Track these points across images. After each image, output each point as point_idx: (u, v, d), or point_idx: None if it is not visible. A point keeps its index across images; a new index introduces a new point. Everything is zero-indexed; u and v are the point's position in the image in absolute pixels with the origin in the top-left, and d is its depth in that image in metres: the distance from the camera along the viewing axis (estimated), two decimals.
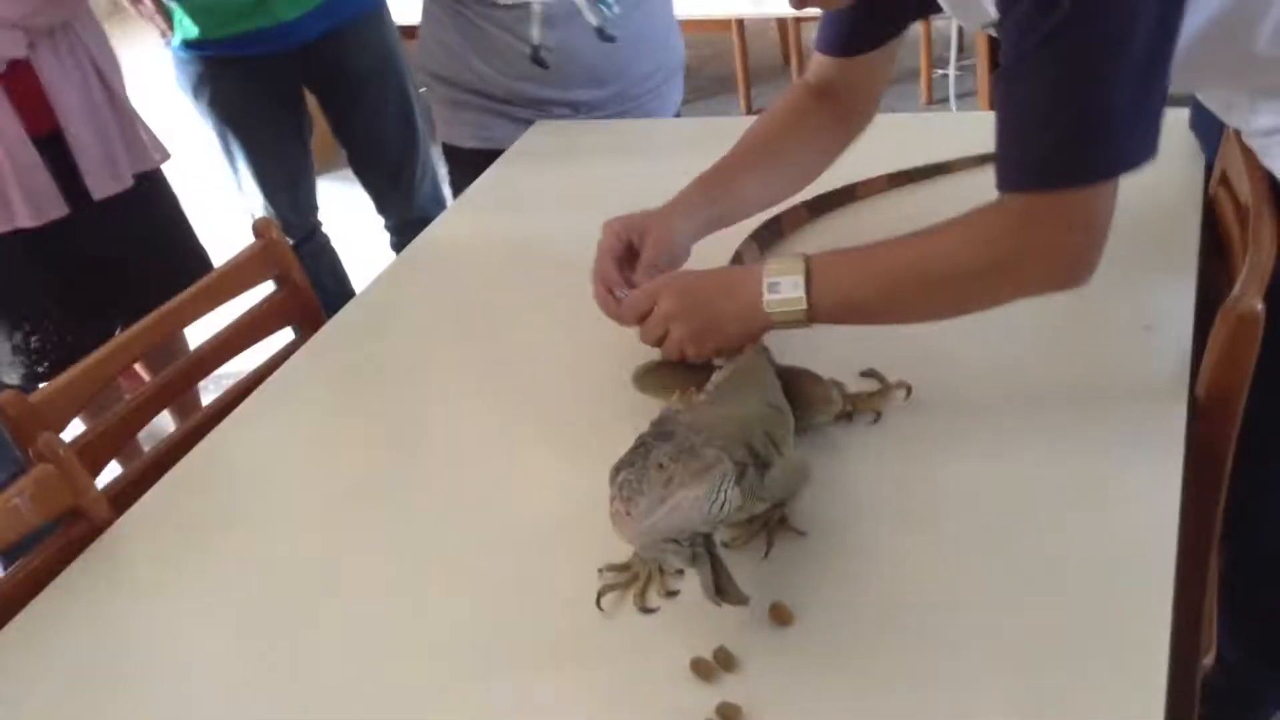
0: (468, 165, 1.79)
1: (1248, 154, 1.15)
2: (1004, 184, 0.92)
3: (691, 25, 3.86)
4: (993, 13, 0.99)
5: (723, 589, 0.82)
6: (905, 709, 0.77)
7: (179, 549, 1.06)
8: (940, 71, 3.78)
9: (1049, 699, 0.76)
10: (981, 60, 3.39)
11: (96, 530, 1.09)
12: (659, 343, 1.06)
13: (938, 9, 1.13)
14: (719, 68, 4.25)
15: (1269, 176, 1.11)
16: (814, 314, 0.99)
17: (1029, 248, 0.93)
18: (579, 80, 1.73)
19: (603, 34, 1.67)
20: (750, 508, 0.88)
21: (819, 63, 1.23)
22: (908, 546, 0.90)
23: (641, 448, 0.79)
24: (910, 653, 0.81)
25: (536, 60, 1.68)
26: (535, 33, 1.63)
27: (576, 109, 1.77)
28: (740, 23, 3.70)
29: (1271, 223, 1.08)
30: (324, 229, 2.45)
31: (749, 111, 3.84)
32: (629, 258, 1.14)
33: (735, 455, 0.84)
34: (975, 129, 1.47)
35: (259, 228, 1.40)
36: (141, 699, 0.91)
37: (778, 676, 0.81)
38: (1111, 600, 0.82)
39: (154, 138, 2.08)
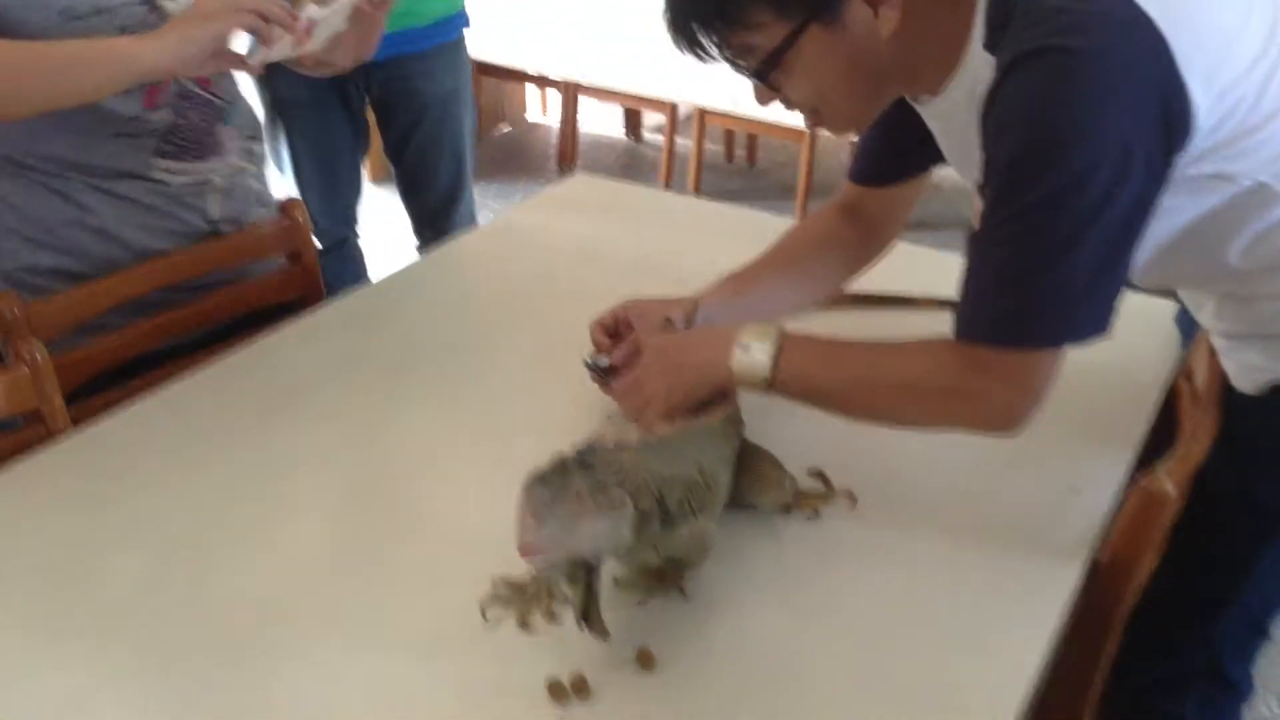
0: None
1: (1211, 352, 1.19)
2: (959, 331, 0.98)
3: (772, 129, 3.99)
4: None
5: (589, 618, 0.86)
6: None
7: (118, 472, 1.12)
8: None
9: None
10: None
11: (51, 435, 1.15)
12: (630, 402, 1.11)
13: None
14: (786, 175, 4.35)
15: (1224, 376, 1.16)
16: (773, 383, 1.05)
17: (970, 389, 0.99)
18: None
19: (262, 201, 1.58)
20: (644, 556, 0.92)
21: (848, 189, 1.31)
22: (786, 632, 0.94)
23: (561, 470, 0.83)
24: None
25: (215, 235, 1.51)
26: (215, 207, 1.47)
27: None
28: (813, 135, 3.79)
29: (1212, 418, 1.12)
30: (359, 241, 2.48)
31: None
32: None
33: (642, 504, 0.88)
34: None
35: (285, 206, 1.47)
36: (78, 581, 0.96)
37: (624, 713, 0.85)
38: None
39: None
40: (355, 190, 2.42)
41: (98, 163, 1.34)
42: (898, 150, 1.25)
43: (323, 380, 1.30)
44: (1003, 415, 0.99)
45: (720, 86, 3.74)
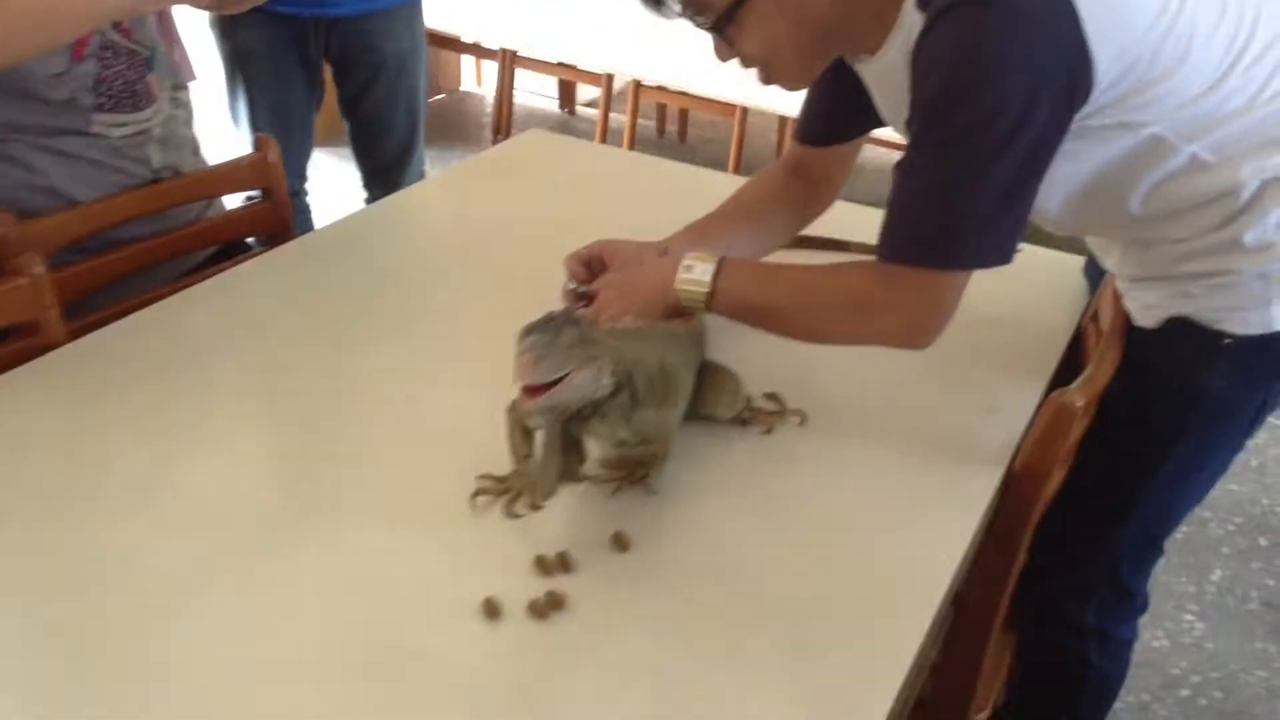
0: None
1: (1115, 294, 1.33)
2: (880, 252, 1.11)
3: (705, 104, 4.10)
4: None
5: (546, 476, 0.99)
6: (692, 631, 0.92)
7: (113, 377, 1.19)
8: None
9: (804, 650, 0.91)
10: None
11: (48, 347, 1.21)
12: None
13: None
14: (715, 151, 4.47)
15: (1126, 314, 1.30)
16: (713, 300, 1.16)
17: (884, 303, 1.11)
18: None
19: (194, 149, 1.62)
20: (617, 427, 1.02)
21: (793, 149, 1.43)
22: (741, 525, 1.05)
23: (552, 323, 0.94)
24: (712, 596, 0.96)
25: (157, 184, 1.53)
26: (155, 156, 1.49)
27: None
28: (744, 111, 3.91)
29: (1116, 348, 1.25)
30: (307, 198, 2.54)
31: None
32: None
33: (616, 371, 0.99)
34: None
35: (260, 141, 1.54)
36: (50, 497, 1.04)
37: (603, 585, 0.96)
38: (877, 609, 0.97)
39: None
40: (307, 145, 2.47)
41: (37, 121, 1.35)
42: (840, 113, 1.36)
43: (299, 304, 1.38)
44: (912, 329, 1.11)
45: (656, 59, 3.84)
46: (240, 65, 2.29)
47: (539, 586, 0.94)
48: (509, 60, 4.36)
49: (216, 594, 0.93)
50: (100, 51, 1.37)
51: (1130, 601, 1.43)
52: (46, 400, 1.14)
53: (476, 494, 1.04)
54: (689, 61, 3.72)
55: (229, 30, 2.27)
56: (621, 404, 1.00)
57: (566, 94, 4.90)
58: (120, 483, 1.05)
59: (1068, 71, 1.01)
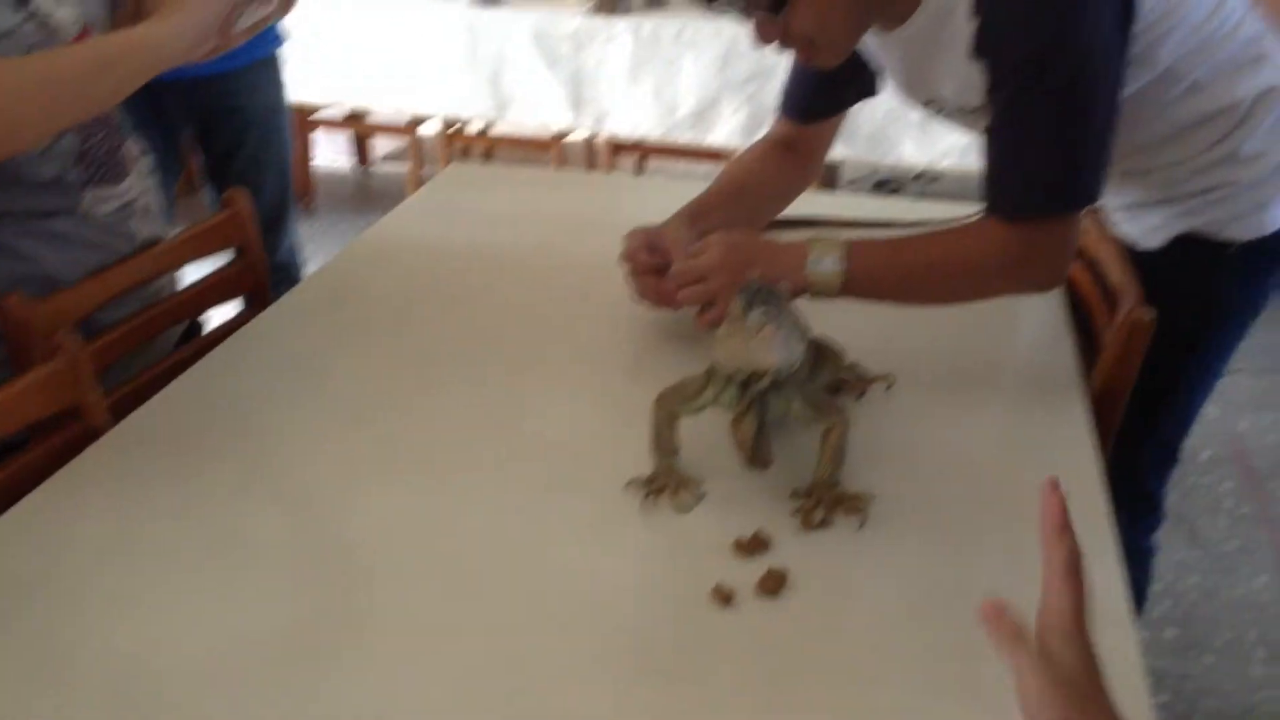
0: None
1: (1098, 223, 1.43)
2: (1005, 210, 1.14)
3: (519, 143, 4.09)
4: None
5: (758, 449, 0.99)
6: (916, 593, 0.94)
7: (173, 460, 1.08)
8: None
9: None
10: None
11: (93, 435, 1.09)
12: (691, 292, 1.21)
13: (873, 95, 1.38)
14: None
15: (1118, 241, 1.40)
16: (846, 286, 1.17)
17: (1028, 256, 1.16)
18: None
19: (165, 217, 1.48)
20: (789, 398, 1.01)
21: (780, 124, 1.47)
22: (877, 477, 1.06)
23: (774, 296, 0.97)
24: (908, 554, 0.98)
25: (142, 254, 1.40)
26: (140, 229, 1.36)
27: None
28: (559, 140, 3.92)
29: (1130, 273, 1.34)
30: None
31: None
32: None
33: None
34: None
35: (228, 198, 1.43)
36: (111, 594, 0.92)
37: (812, 557, 0.95)
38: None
39: None
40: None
41: (25, 205, 1.19)
42: (831, 88, 1.41)
43: (340, 348, 1.30)
44: (1052, 275, 1.17)
45: (468, 98, 3.71)
46: None
47: (752, 567, 0.93)
48: (305, 119, 4.18)
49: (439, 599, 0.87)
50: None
51: (1155, 511, 1.53)
52: (112, 496, 1.02)
53: (646, 495, 1.02)
54: (509, 96, 3.66)
55: None
56: (801, 375, 1.01)
57: (361, 149, 4.75)
58: (279, 524, 0.96)
59: (1125, 4, 1.09)
